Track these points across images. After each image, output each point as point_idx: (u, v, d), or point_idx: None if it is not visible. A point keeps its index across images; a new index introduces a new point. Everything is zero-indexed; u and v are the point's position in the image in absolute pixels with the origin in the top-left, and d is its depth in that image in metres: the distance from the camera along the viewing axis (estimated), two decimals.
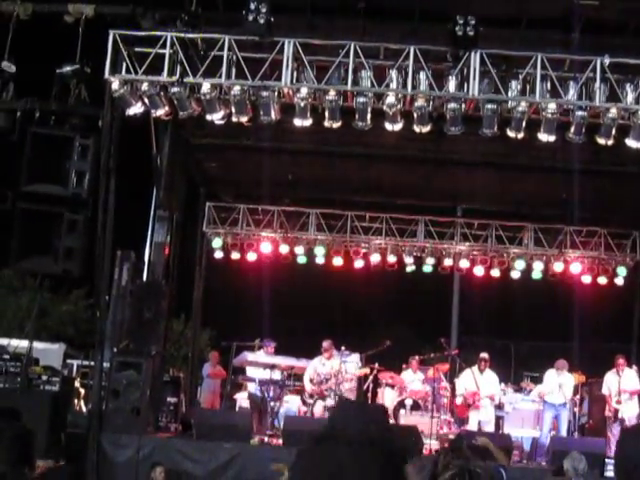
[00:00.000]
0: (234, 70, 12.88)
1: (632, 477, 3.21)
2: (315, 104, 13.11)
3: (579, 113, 12.78)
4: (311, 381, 15.48)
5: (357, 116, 12.95)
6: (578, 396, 16.16)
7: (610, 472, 3.49)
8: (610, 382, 15.48)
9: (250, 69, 12.78)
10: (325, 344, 15.74)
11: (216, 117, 13.18)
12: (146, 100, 13.01)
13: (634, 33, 13.05)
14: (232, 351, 16.55)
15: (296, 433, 12.38)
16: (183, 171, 16.64)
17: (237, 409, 16.40)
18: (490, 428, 15.11)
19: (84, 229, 11.49)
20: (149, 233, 15.75)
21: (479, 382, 15.35)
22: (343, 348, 15.75)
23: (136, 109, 13.07)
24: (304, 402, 15.80)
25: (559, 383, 15.29)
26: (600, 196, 17.25)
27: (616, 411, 15.10)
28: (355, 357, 16.07)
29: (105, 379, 13.18)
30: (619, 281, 19.50)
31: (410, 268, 19.49)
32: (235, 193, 19.26)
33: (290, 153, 16.31)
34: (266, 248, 19.28)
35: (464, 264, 19.37)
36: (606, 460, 5.01)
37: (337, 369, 15.40)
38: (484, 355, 15.66)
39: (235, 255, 19.56)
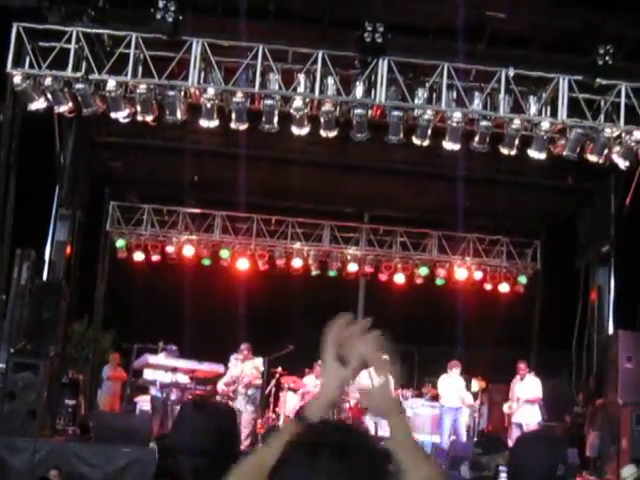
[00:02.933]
0: (140, 68, 12.75)
1: None
2: (222, 105, 13.03)
3: (483, 123, 13.00)
4: (225, 384, 15.33)
5: (264, 119, 12.91)
6: (478, 401, 16.37)
7: (504, 479, 3.54)
8: (514, 388, 15.74)
9: (157, 68, 12.66)
10: (243, 346, 15.61)
11: (121, 115, 12.99)
12: (49, 96, 12.76)
13: (539, 46, 13.33)
14: (133, 353, 16.29)
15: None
16: (87, 169, 16.38)
17: (137, 412, 16.15)
18: (386, 431, 15.12)
19: None
20: (50, 231, 15.46)
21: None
22: (247, 353, 15.66)
23: (39, 104, 12.80)
24: None
25: (451, 384, 15.45)
26: (503, 205, 17.56)
27: (509, 416, 15.38)
28: (259, 361, 15.97)
29: (1, 380, 12.84)
30: (520, 289, 19.87)
31: (315, 272, 19.51)
32: (140, 193, 19.01)
33: (196, 154, 16.17)
34: (170, 249, 19.06)
35: (369, 269, 19.49)
36: (499, 468, 5.09)
37: (246, 373, 15.30)
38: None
39: (139, 256, 19.29)
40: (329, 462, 1.60)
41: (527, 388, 15.56)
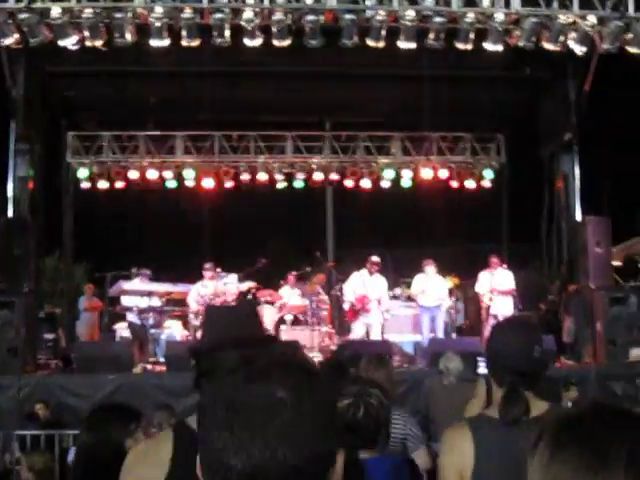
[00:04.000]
0: None
1: (501, 364, 3.31)
2: (172, 24, 12.78)
3: (437, 19, 12.86)
4: (196, 302, 15.33)
5: (215, 33, 12.69)
6: (453, 298, 16.56)
7: (483, 369, 3.59)
8: (484, 280, 15.89)
9: None
10: (207, 265, 15.60)
11: (69, 43, 12.70)
12: None
13: None
14: (107, 282, 16.31)
15: (178, 358, 12.34)
16: (42, 102, 16.09)
17: (117, 339, 16.23)
18: (377, 332, 15.31)
19: None
20: (10, 168, 15.27)
21: (368, 285, 15.46)
22: (219, 270, 15.68)
23: None
24: (186, 326, 15.76)
25: (427, 283, 15.60)
26: (464, 101, 17.50)
27: (488, 308, 15.54)
28: (232, 277, 16.01)
29: None
30: (486, 184, 19.95)
31: (281, 185, 19.44)
32: (97, 121, 18.73)
33: (150, 75, 15.97)
34: (134, 175, 18.87)
35: (334, 177, 19.45)
36: (477, 358, 5.15)
37: (221, 289, 15.33)
38: (375, 258, 15.62)
39: (103, 184, 19.09)
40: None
41: (500, 280, 15.73)
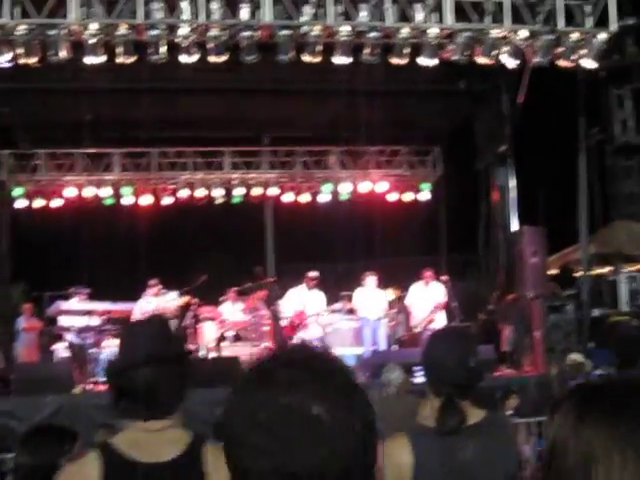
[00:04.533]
0: (18, 9, 12.27)
1: (437, 375, 3.36)
2: (107, 40, 12.70)
3: (372, 34, 12.97)
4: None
5: (151, 50, 12.64)
6: (395, 310, 16.64)
7: (419, 377, 3.62)
8: (416, 293, 16.05)
9: (35, 6, 12.21)
10: (151, 282, 15.50)
11: (2, 60, 12.53)
12: None
13: None
14: (45, 301, 16.11)
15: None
16: None
17: (56, 360, 16.00)
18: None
19: None
20: None
21: (306, 301, 15.48)
22: (160, 287, 15.57)
23: None
24: None
25: (368, 296, 15.68)
26: (400, 115, 17.65)
27: (429, 322, 15.68)
28: (173, 295, 15.91)
29: None
30: (424, 196, 20.16)
31: (219, 201, 19.40)
32: (32, 139, 18.52)
33: (86, 93, 15.80)
34: (70, 193, 18.68)
35: (273, 192, 19.47)
36: (413, 367, 5.27)
37: (162, 306, 15.22)
38: (312, 273, 15.65)
39: (39, 203, 18.86)
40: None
41: (433, 294, 15.90)
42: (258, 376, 1.50)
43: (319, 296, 15.69)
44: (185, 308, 15.89)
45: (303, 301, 15.46)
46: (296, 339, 15.32)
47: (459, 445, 3.20)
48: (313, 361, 1.51)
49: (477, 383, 3.41)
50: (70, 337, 15.33)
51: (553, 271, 18.40)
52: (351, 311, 16.43)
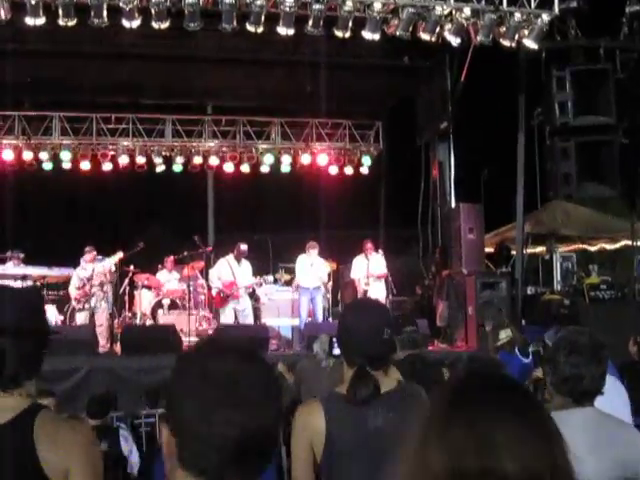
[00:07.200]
0: None
1: (351, 346, 3.43)
2: (48, 2, 12.50)
3: (316, 6, 12.98)
4: (77, 288, 15.06)
5: (93, 13, 12.48)
6: (331, 282, 16.74)
7: (337, 349, 3.66)
8: (358, 266, 16.13)
9: None
10: (87, 248, 15.33)
11: None
12: None
13: None
14: None
15: (51, 342, 12.11)
16: None
17: None
18: (249, 318, 15.37)
19: None
20: None
21: (236, 272, 15.47)
22: (95, 254, 15.44)
23: None
24: (61, 310, 15.50)
25: (310, 264, 15.74)
26: (343, 88, 17.64)
27: (365, 293, 15.77)
28: (110, 261, 15.80)
29: None
30: (364, 170, 20.24)
31: (160, 168, 19.28)
32: None
33: (27, 54, 15.53)
34: (8, 155, 18.42)
35: (214, 161, 19.40)
36: (332, 339, 5.32)
37: (99, 270, 15.09)
38: (242, 245, 15.64)
39: None
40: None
41: (374, 266, 15.99)
42: (205, 347, 1.77)
43: (247, 267, 15.67)
44: (122, 275, 15.81)
45: (233, 272, 15.44)
46: (227, 310, 15.32)
47: (371, 412, 3.27)
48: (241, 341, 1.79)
49: (391, 354, 3.49)
50: None
51: (490, 249, 18.63)
52: (288, 283, 16.50)
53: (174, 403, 1.66)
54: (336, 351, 3.78)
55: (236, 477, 1.62)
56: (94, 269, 15.08)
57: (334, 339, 4.67)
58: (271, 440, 1.65)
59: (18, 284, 14.60)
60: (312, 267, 15.71)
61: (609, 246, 20.00)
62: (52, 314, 15.70)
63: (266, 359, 1.75)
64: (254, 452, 1.62)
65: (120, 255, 15.30)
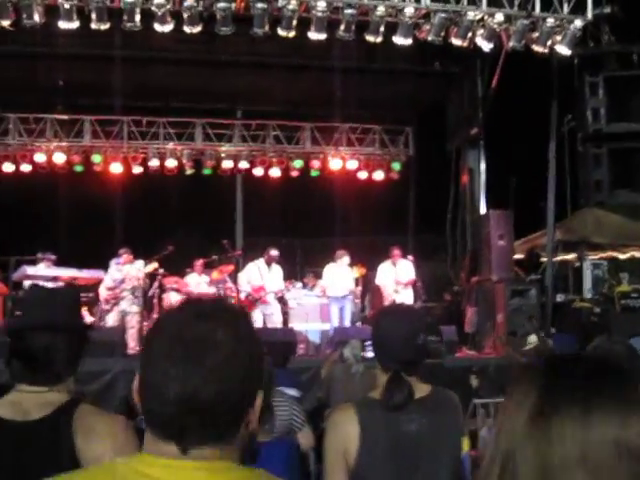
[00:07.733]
0: None
1: (385, 352, 3.43)
2: (82, 6, 12.61)
3: (348, 11, 12.97)
4: (107, 288, 15.13)
5: (126, 17, 12.56)
6: (360, 288, 16.71)
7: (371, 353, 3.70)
8: (385, 272, 16.07)
9: None
10: (122, 250, 15.40)
11: None
12: None
13: None
14: (10, 266, 15.99)
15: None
16: None
17: None
18: (277, 323, 15.36)
19: None
20: None
21: (265, 276, 15.46)
22: (132, 257, 15.47)
23: None
24: (92, 312, 15.58)
25: (338, 273, 15.71)
26: (374, 93, 17.65)
27: (394, 301, 15.70)
28: (139, 264, 15.85)
29: None
30: (394, 176, 20.21)
31: (189, 172, 19.37)
32: (3, 102, 18.32)
33: (60, 58, 15.66)
34: (40, 158, 18.58)
35: (244, 165, 19.45)
36: (365, 343, 5.36)
37: (133, 274, 15.15)
38: (273, 250, 15.62)
39: (8, 167, 18.73)
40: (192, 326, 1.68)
41: (401, 272, 15.94)
42: (184, 305, 1.78)
43: (278, 272, 15.64)
44: (152, 277, 15.85)
45: (262, 276, 15.43)
46: (256, 314, 15.31)
47: (405, 418, 3.26)
48: (228, 305, 1.83)
49: (424, 360, 3.48)
50: None
51: (519, 255, 18.55)
52: (315, 287, 16.49)
53: (140, 360, 1.71)
54: (370, 354, 3.78)
55: (195, 436, 1.63)
56: (128, 272, 15.16)
57: (365, 343, 4.68)
58: (231, 405, 1.65)
59: (49, 285, 14.68)
60: (340, 276, 15.68)
61: None
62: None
63: (253, 332, 1.78)
64: (210, 413, 1.63)
65: (155, 265, 15.37)
